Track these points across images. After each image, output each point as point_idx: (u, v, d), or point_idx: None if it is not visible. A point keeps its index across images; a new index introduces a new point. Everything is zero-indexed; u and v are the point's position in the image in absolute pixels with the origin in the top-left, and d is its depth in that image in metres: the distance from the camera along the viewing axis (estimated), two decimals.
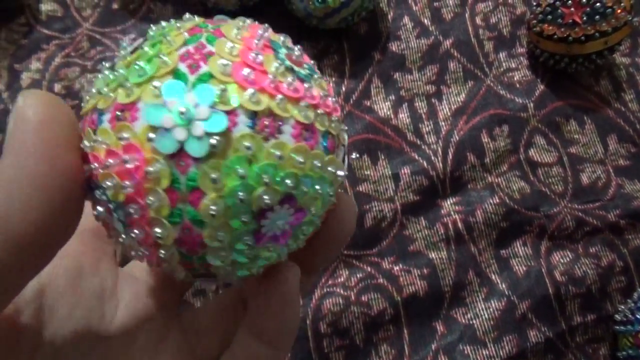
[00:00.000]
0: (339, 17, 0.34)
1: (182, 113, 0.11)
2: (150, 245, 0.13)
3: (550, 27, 0.34)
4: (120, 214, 0.12)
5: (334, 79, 0.36)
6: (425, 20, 0.39)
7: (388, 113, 0.36)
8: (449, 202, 0.34)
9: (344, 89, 0.36)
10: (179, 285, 0.19)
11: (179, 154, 0.12)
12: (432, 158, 0.35)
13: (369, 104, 0.36)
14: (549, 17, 0.34)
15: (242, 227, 0.12)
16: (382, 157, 0.35)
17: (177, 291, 0.19)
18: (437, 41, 0.38)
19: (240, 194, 0.12)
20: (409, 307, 0.32)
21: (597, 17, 0.33)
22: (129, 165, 0.12)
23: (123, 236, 0.13)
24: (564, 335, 0.32)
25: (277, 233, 0.13)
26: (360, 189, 0.34)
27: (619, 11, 0.33)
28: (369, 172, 0.34)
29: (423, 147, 0.35)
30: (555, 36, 0.34)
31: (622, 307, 0.32)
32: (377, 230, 0.33)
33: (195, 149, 0.11)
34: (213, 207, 0.12)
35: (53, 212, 0.11)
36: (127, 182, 0.12)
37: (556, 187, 0.35)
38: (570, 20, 0.33)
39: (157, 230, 0.12)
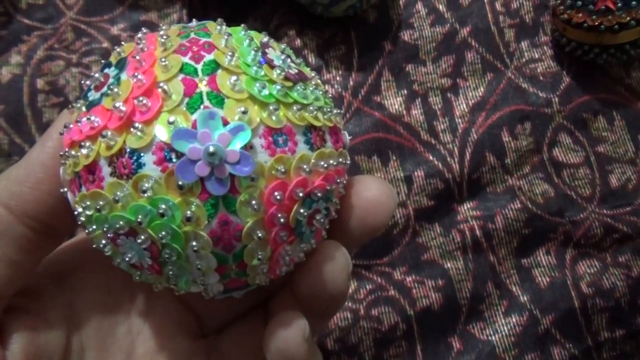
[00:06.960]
0: (346, 5, 0.31)
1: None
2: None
3: (580, 15, 0.31)
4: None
5: (340, 72, 0.33)
6: (440, 7, 0.35)
7: (400, 109, 0.33)
8: (466, 207, 0.32)
9: (351, 82, 0.33)
10: (202, 307, 0.20)
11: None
12: (448, 159, 0.32)
13: (378, 99, 0.33)
14: (579, 3, 0.31)
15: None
16: (394, 158, 0.32)
17: (200, 314, 0.20)
18: (453, 29, 0.35)
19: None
20: (422, 321, 0.30)
21: (634, 2, 0.30)
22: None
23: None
24: (590, 352, 0.30)
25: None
26: None
27: None
28: (379, 175, 0.32)
29: (438, 146, 0.32)
30: (585, 24, 0.31)
31: None
32: (388, 238, 0.31)
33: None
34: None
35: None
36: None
37: (583, 190, 0.33)
38: (603, 7, 0.30)
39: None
